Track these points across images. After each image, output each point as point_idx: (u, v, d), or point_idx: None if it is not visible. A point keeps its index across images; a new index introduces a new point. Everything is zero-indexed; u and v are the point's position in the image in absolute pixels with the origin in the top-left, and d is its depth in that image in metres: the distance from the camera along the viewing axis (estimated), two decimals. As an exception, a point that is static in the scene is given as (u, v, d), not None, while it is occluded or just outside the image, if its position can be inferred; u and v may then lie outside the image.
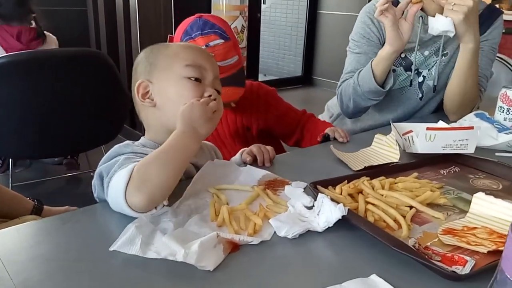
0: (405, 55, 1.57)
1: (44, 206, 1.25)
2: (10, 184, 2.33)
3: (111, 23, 3.76)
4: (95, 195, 0.91)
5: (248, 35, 4.49)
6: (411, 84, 1.59)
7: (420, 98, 1.62)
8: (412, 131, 1.10)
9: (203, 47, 1.28)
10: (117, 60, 3.66)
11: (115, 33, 3.74)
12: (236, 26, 4.15)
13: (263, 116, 1.50)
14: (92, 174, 2.83)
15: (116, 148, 0.92)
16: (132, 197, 0.77)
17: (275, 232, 0.77)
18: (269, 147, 1.12)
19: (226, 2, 4.07)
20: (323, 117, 1.84)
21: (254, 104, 1.49)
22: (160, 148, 0.83)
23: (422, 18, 1.48)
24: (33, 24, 2.54)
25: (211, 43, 1.30)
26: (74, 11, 4.03)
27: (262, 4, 4.61)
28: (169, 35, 3.61)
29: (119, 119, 2.46)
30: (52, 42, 2.63)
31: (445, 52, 1.55)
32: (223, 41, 1.32)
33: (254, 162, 1.09)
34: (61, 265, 0.67)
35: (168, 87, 0.96)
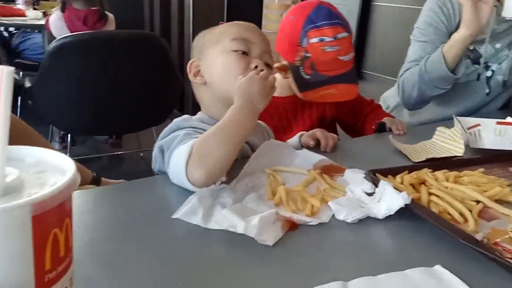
0: (474, 47, 1.49)
1: (102, 178, 1.28)
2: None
3: (165, 7, 3.81)
4: (156, 168, 0.92)
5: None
6: (478, 78, 1.51)
7: (487, 94, 1.54)
8: (480, 125, 1.05)
9: (332, 39, 1.20)
10: (169, 45, 3.71)
11: (168, 17, 3.79)
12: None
13: (334, 105, 1.41)
14: (141, 154, 2.93)
15: (175, 121, 0.93)
16: (193, 172, 0.77)
17: (333, 215, 0.76)
18: (333, 134, 1.10)
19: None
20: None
21: None
22: (218, 124, 0.84)
23: (496, 7, 1.40)
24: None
25: (339, 35, 1.22)
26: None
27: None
28: (220, 22, 3.63)
29: (170, 101, 2.50)
30: (112, 22, 2.70)
31: None
32: (348, 34, 1.25)
33: (315, 147, 1.08)
34: (124, 229, 0.69)
35: (215, 62, 0.96)
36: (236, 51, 0.95)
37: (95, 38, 2.18)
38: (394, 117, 1.42)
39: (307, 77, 1.23)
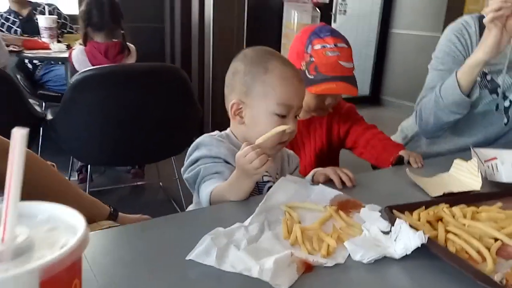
0: (491, 77, 1.49)
1: (119, 213, 1.29)
2: (87, 189, 2.45)
3: (186, 39, 3.90)
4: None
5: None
6: (497, 108, 1.51)
7: (505, 124, 1.53)
8: (497, 158, 1.03)
9: (333, 46, 1.36)
10: (189, 75, 3.79)
11: (189, 49, 3.87)
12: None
13: (343, 128, 1.52)
14: (160, 183, 2.95)
15: (196, 144, 1.09)
16: None
17: (349, 255, 0.75)
18: (345, 169, 1.10)
19: (298, 20, 4.10)
20: (396, 138, 1.78)
21: (336, 115, 1.52)
22: (224, 185, 0.97)
23: None
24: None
25: (339, 44, 1.37)
26: (152, 27, 4.24)
27: (332, 23, 4.60)
28: (241, 48, 3.69)
29: (190, 131, 2.53)
30: (133, 53, 2.76)
31: None
32: (347, 46, 1.40)
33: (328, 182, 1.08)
34: (141, 271, 0.69)
35: (258, 116, 1.07)
36: (278, 115, 1.05)
37: (116, 71, 2.23)
38: (404, 147, 1.42)
39: (311, 77, 1.36)
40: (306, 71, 1.37)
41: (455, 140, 1.58)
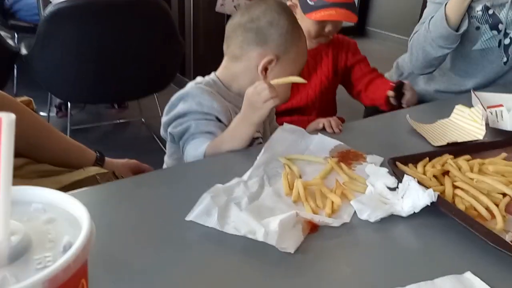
0: (493, 11, 1.40)
1: (106, 158, 1.24)
2: (68, 127, 2.37)
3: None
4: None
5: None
6: (499, 45, 1.44)
7: (505, 63, 1.47)
8: (503, 106, 0.99)
9: None
10: (169, 5, 3.58)
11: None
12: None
13: (350, 61, 1.53)
14: (143, 120, 2.88)
15: (182, 95, 1.00)
16: None
17: (354, 212, 0.73)
18: (334, 117, 1.09)
19: None
20: (391, 75, 1.73)
21: (343, 48, 1.53)
22: (222, 136, 0.94)
23: None
24: None
25: None
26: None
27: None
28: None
29: (172, 67, 2.43)
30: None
31: None
32: None
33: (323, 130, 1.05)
34: (138, 235, 0.65)
35: (280, 75, 0.99)
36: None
37: (93, 3, 2.08)
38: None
39: (311, 3, 1.36)
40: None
41: (453, 78, 1.53)
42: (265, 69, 1.02)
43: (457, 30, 1.36)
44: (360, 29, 5.98)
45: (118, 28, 2.09)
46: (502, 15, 1.40)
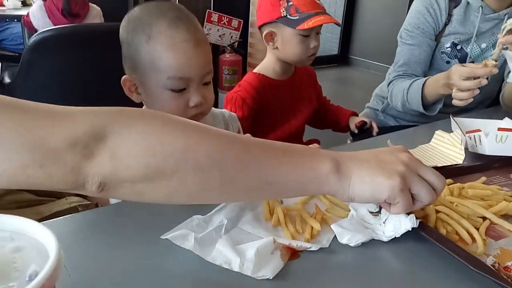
0: (461, 47, 1.51)
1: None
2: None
3: (149, -4, 3.70)
4: None
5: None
6: None
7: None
8: (481, 131, 1.01)
9: None
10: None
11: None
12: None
13: (317, 90, 1.64)
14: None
15: None
16: None
17: (334, 237, 0.72)
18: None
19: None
20: (373, 104, 1.78)
21: (305, 76, 1.58)
22: None
23: (482, 8, 1.40)
24: None
25: None
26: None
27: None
28: (207, 11, 3.55)
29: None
30: (97, 14, 2.61)
31: (505, 46, 1.44)
32: None
33: None
34: (116, 263, 0.64)
35: (152, 93, 0.92)
36: (173, 90, 0.89)
37: (78, 31, 2.09)
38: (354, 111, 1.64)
39: (296, 17, 1.37)
40: (288, 15, 1.38)
41: None
42: (137, 93, 0.98)
43: (430, 111, 1.48)
44: (343, 58, 6.09)
45: (103, 56, 2.09)
46: (469, 49, 1.50)
